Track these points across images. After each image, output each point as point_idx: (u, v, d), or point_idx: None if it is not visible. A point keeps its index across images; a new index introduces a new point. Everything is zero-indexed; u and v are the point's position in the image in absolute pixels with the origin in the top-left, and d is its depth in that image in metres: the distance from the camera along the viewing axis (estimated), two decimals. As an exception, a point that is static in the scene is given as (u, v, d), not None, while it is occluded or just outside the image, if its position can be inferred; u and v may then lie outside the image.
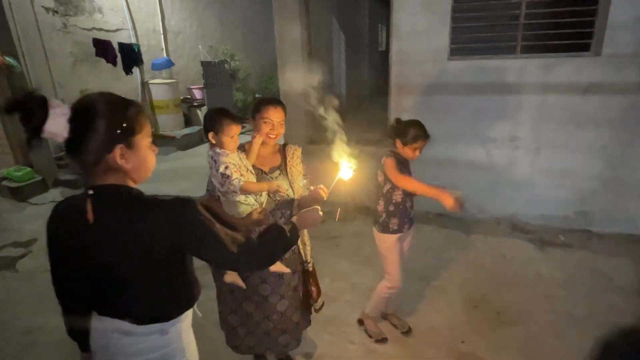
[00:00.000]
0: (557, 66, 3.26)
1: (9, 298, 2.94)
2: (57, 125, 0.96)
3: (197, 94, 8.00)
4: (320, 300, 2.01)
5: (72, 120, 0.98)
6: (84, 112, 0.99)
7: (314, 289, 1.96)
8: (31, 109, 0.94)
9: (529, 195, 3.63)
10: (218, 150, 1.64)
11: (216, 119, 1.63)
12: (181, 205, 1.06)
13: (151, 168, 1.13)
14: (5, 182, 4.90)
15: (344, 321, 2.52)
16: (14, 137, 5.02)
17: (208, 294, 1.92)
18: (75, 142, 1.00)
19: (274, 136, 1.75)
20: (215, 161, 1.63)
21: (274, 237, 1.24)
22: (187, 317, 1.21)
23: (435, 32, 3.46)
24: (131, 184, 1.09)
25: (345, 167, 1.67)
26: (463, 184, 3.76)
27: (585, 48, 3.24)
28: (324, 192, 1.63)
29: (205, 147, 1.74)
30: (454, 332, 2.39)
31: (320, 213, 1.40)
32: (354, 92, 6.50)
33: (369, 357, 2.26)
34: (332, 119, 1.79)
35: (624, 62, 3.11)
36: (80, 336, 1.24)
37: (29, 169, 4.98)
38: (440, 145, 3.73)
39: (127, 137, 1.02)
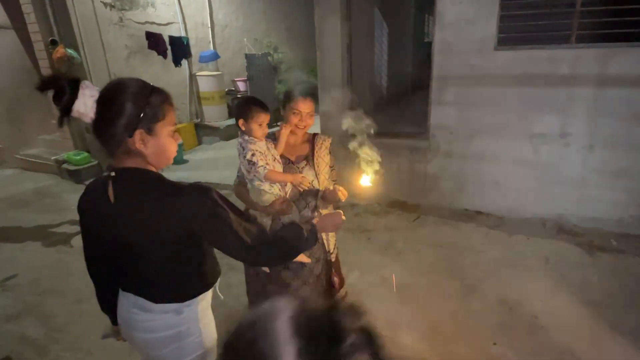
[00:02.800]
0: (616, 56, 3.00)
1: (64, 270, 3.21)
2: (85, 106, 1.01)
3: (241, 86, 8.20)
4: (342, 291, 2.01)
5: (99, 102, 1.03)
6: (109, 95, 1.04)
7: (336, 279, 1.96)
8: (63, 87, 1.00)
9: (579, 195, 3.39)
10: (247, 137, 1.67)
11: (246, 107, 1.67)
12: (198, 192, 1.08)
13: (171, 156, 1.15)
14: (65, 165, 5.33)
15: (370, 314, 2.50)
16: (74, 123, 5.44)
17: (240, 277, 2.00)
18: (100, 123, 1.04)
19: (303, 127, 1.76)
20: (243, 148, 1.67)
21: (291, 237, 1.22)
22: (205, 298, 1.25)
23: (481, 21, 3.30)
24: (152, 169, 1.12)
25: (366, 176, 1.67)
26: (507, 181, 3.59)
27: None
28: (342, 194, 1.63)
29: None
30: (486, 332, 2.30)
31: (343, 218, 1.37)
32: (396, 84, 6.36)
33: (396, 351, 2.23)
34: (366, 114, 1.77)
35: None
36: (110, 310, 1.33)
37: (86, 154, 5.38)
38: (484, 139, 3.58)
39: (149, 123, 1.05)
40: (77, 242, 3.67)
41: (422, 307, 2.53)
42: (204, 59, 7.30)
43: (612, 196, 3.27)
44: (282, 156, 1.78)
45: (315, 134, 1.91)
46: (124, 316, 1.26)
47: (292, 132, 1.77)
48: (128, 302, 1.23)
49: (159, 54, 6.26)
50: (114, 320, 1.35)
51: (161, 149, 1.10)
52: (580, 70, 3.12)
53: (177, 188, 1.09)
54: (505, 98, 3.41)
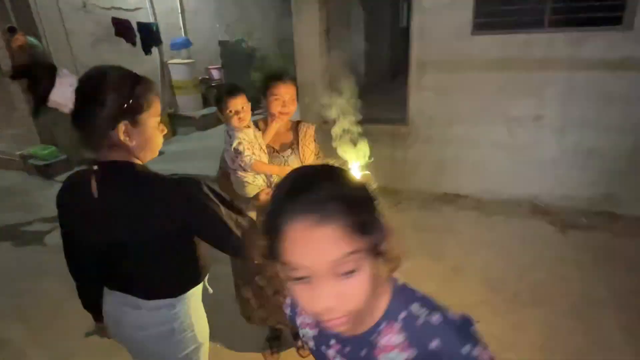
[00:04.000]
0: (587, 41, 3.10)
1: (39, 270, 3.08)
2: (63, 95, 0.96)
3: (215, 74, 8.00)
4: None
5: (79, 92, 0.97)
6: (91, 85, 0.99)
7: None
8: (38, 76, 0.94)
9: (552, 176, 3.52)
10: (232, 125, 1.64)
11: (219, 97, 1.64)
12: (186, 184, 1.06)
13: (157, 148, 1.11)
14: (32, 161, 5.07)
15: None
16: (41, 115, 5.16)
17: (225, 269, 1.98)
18: (81, 114, 0.99)
19: (286, 113, 1.72)
20: (230, 136, 1.64)
21: None
22: (195, 293, 1.23)
23: (458, 6, 3.32)
24: (137, 162, 1.08)
25: (355, 165, 1.60)
26: (485, 164, 3.68)
27: (617, 22, 3.05)
28: None
29: (223, 127, 1.75)
30: (470, 312, 2.36)
31: None
32: (374, 70, 6.36)
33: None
34: (347, 99, 1.75)
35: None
36: (93, 308, 1.29)
37: (53, 148, 5.13)
38: (463, 124, 3.64)
39: (133, 114, 1.01)
40: (51, 240, 3.52)
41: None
42: (175, 46, 7.05)
43: (583, 175, 3.42)
44: (267, 145, 1.76)
45: (298, 122, 1.89)
46: (113, 315, 1.22)
47: (277, 120, 1.74)
48: (116, 301, 1.19)
49: (127, 41, 6.00)
50: (97, 317, 1.30)
51: (147, 141, 1.06)
52: (554, 54, 3.20)
53: (167, 181, 1.06)
54: (482, 83, 3.47)
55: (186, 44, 7.18)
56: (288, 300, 0.87)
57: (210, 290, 1.33)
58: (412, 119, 3.80)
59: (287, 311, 0.87)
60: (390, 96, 5.26)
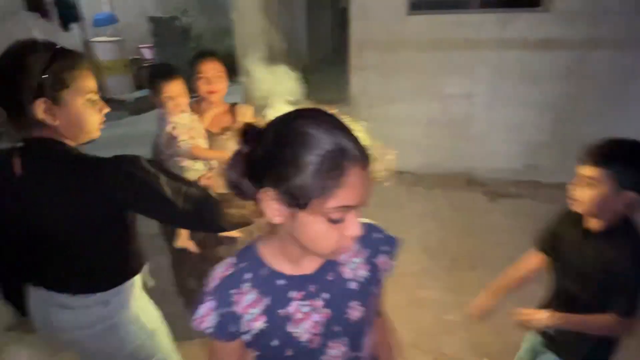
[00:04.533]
0: (511, 22, 3.31)
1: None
2: None
3: (147, 54, 7.49)
4: None
5: None
6: (5, 61, 0.91)
7: None
8: None
9: (483, 150, 3.78)
10: (165, 110, 1.56)
11: (150, 80, 1.56)
12: (122, 160, 0.99)
13: (91, 128, 1.02)
14: None
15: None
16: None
17: (166, 260, 1.91)
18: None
19: (214, 92, 1.66)
20: (163, 120, 1.56)
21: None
22: (134, 284, 1.16)
23: (395, -15, 3.39)
24: (68, 142, 0.99)
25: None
26: (423, 141, 3.85)
27: (537, 3, 3.29)
28: None
29: (158, 111, 1.65)
30: (412, 279, 2.52)
31: None
32: (316, 50, 6.32)
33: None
34: (288, 79, 1.72)
35: (573, 18, 3.21)
36: (17, 301, 1.17)
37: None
38: (402, 102, 3.76)
39: (52, 91, 0.92)
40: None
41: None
42: (99, 23, 6.48)
43: (510, 149, 3.71)
44: (205, 129, 1.69)
45: (234, 104, 1.83)
46: (41, 317, 1.12)
47: (208, 101, 1.68)
48: (42, 301, 1.09)
49: (42, 16, 5.39)
50: (23, 312, 1.18)
51: (75, 120, 0.98)
52: (483, 34, 3.39)
53: (100, 159, 0.98)
54: (419, 62, 3.60)
55: (111, 20, 6.63)
56: (207, 313, 0.72)
57: (152, 282, 1.27)
58: (354, 99, 3.85)
59: (210, 323, 0.72)
60: (334, 76, 5.28)
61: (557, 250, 1.31)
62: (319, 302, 0.75)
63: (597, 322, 1.16)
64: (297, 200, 0.62)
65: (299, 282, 0.74)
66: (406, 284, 2.48)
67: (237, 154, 0.68)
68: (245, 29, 3.89)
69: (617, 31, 3.22)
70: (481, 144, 3.75)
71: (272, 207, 0.64)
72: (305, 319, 0.74)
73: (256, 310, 0.72)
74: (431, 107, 3.72)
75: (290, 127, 0.64)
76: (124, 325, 1.13)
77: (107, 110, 1.07)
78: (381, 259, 0.85)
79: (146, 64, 7.38)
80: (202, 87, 1.63)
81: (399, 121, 3.81)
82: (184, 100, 1.57)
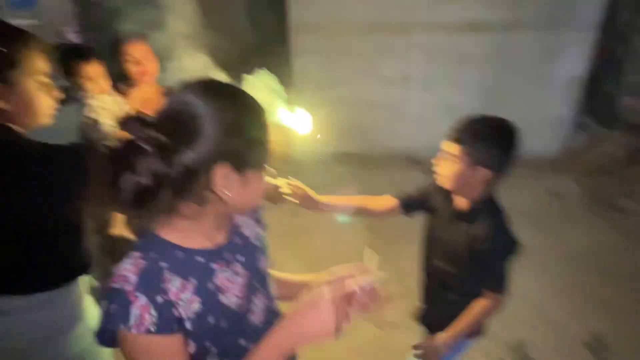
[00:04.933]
0: (441, 4, 3.46)
1: None
2: None
3: (74, 38, 6.92)
4: None
5: None
6: None
7: None
8: None
9: (419, 130, 3.96)
10: (82, 93, 1.49)
11: (65, 61, 1.47)
12: (79, 149, 0.97)
13: (41, 112, 0.97)
14: None
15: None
16: None
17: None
18: None
19: (144, 72, 1.62)
20: (80, 105, 1.48)
21: None
22: (80, 283, 1.11)
23: (329, -32, 3.40)
24: (17, 128, 0.93)
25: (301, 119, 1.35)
26: (365, 123, 3.95)
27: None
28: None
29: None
30: (355, 256, 2.62)
31: None
32: (260, 34, 6.18)
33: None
34: (228, 67, 1.71)
35: (496, 0, 3.42)
36: None
37: None
38: (344, 85, 3.82)
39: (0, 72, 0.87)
40: None
41: (306, 245, 2.74)
42: (14, 5, 5.86)
43: (443, 128, 3.90)
44: (137, 112, 1.64)
45: (168, 87, 1.79)
46: None
47: (139, 83, 1.63)
48: None
49: (-58, -5, 4.77)
50: None
51: (25, 103, 0.92)
52: (416, 17, 3.52)
53: (55, 147, 0.93)
54: (357, 45, 3.66)
55: (29, 1, 6.01)
56: (142, 310, 0.64)
57: (97, 283, 1.23)
58: (297, 83, 3.85)
59: (151, 319, 0.64)
60: (279, 60, 5.21)
61: (415, 210, 1.39)
62: (238, 266, 0.78)
63: (479, 313, 1.20)
64: (247, 162, 0.68)
65: (216, 253, 0.76)
66: (350, 260, 2.57)
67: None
68: (178, 14, 3.72)
69: (538, 13, 3.47)
70: (418, 124, 3.93)
71: (228, 179, 0.67)
72: (232, 285, 0.76)
73: (187, 294, 0.69)
74: (371, 90, 3.82)
75: (222, 97, 0.69)
76: (73, 326, 1.08)
77: (59, 95, 1.02)
78: (259, 212, 0.94)
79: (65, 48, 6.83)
80: (132, 69, 1.60)
81: (341, 104, 3.87)
82: (104, 82, 1.51)
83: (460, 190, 1.19)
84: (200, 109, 0.64)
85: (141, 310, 0.63)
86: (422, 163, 3.92)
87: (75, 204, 0.99)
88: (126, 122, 0.65)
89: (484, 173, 1.12)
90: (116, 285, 0.65)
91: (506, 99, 3.75)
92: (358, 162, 3.96)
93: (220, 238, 0.77)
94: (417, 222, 2.80)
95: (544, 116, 3.80)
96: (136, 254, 0.69)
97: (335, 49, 3.68)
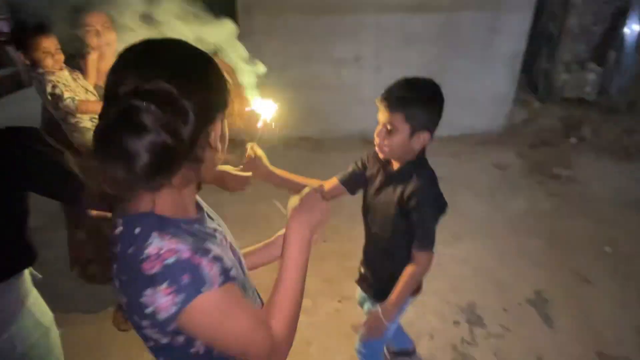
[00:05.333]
0: (389, -15, 3.52)
1: None
2: None
3: (4, 27, 6.34)
4: None
5: None
6: None
7: None
8: None
9: (374, 111, 4.02)
10: (41, 70, 1.45)
11: (20, 35, 1.42)
12: (19, 133, 0.91)
13: None
14: None
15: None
16: None
17: (55, 252, 1.76)
18: None
19: (106, 44, 1.59)
20: (40, 82, 1.45)
21: None
22: (24, 275, 1.07)
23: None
24: None
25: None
26: (320, 106, 3.97)
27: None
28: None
29: (30, 91, 1.52)
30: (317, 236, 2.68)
31: None
32: (214, 15, 5.99)
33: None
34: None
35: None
36: None
37: None
38: (295, 67, 3.80)
39: None
40: None
41: (267, 230, 2.73)
42: None
43: (397, 108, 4.03)
44: (97, 87, 1.60)
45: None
46: None
47: (100, 56, 1.60)
48: None
49: None
50: None
51: None
52: (365, -2, 3.55)
53: None
54: (307, 26, 3.65)
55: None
56: (209, 268, 0.64)
57: (39, 276, 1.18)
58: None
59: (219, 269, 0.65)
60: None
61: (358, 187, 1.42)
62: (219, 234, 0.79)
63: (413, 276, 1.23)
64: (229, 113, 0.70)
65: (201, 220, 0.76)
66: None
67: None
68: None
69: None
70: (372, 105, 3.98)
71: (218, 134, 0.68)
72: (225, 246, 0.77)
73: (217, 250, 0.68)
74: (323, 72, 3.83)
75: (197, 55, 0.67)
76: (15, 321, 1.03)
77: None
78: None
79: (4, 39, 6.25)
80: (92, 40, 1.57)
81: (293, 87, 3.84)
82: (61, 56, 1.51)
83: (400, 157, 1.22)
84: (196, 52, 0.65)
85: (209, 268, 0.63)
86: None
87: (20, 193, 0.96)
88: (118, 78, 0.59)
89: (424, 136, 1.17)
90: (171, 260, 0.60)
91: (453, 78, 3.89)
92: (313, 146, 3.99)
93: (193, 210, 0.76)
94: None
95: (489, 93, 4.01)
96: (155, 233, 0.63)
97: (285, 29, 3.64)
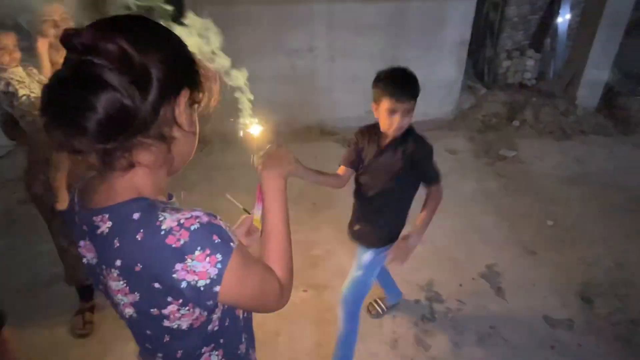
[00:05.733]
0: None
1: None
2: None
3: None
4: None
5: None
6: None
7: None
8: None
9: (330, 101, 4.08)
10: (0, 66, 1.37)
11: None
12: None
13: None
14: None
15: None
16: None
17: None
18: None
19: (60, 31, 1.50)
20: None
21: None
22: None
23: None
24: None
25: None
26: (275, 98, 3.93)
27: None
28: None
29: None
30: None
31: None
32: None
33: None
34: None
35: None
36: None
37: None
38: (247, 59, 3.71)
39: None
40: None
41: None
42: None
43: (353, 98, 4.07)
44: None
45: None
46: None
47: (53, 46, 1.55)
48: None
49: None
50: None
51: None
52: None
53: None
54: (259, 15, 3.59)
55: None
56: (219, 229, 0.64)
57: None
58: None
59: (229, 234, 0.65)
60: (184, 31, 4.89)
61: (360, 163, 1.64)
62: None
63: (437, 204, 1.55)
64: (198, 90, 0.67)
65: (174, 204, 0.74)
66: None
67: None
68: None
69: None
70: (327, 95, 4.04)
71: (183, 110, 0.65)
72: None
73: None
74: (277, 63, 3.80)
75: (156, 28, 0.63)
76: None
77: None
78: None
79: None
80: (48, 30, 1.52)
81: (249, 80, 3.80)
82: (18, 53, 1.46)
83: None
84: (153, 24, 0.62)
85: (225, 226, 0.64)
86: (335, 133, 4.07)
87: None
88: (77, 35, 0.55)
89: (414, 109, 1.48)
90: (196, 226, 0.60)
91: (403, 65, 4.01)
92: (271, 138, 3.97)
93: (166, 198, 0.73)
94: (332, 189, 2.91)
95: (439, 81, 4.17)
96: (159, 210, 0.61)
97: (235, 19, 3.56)
